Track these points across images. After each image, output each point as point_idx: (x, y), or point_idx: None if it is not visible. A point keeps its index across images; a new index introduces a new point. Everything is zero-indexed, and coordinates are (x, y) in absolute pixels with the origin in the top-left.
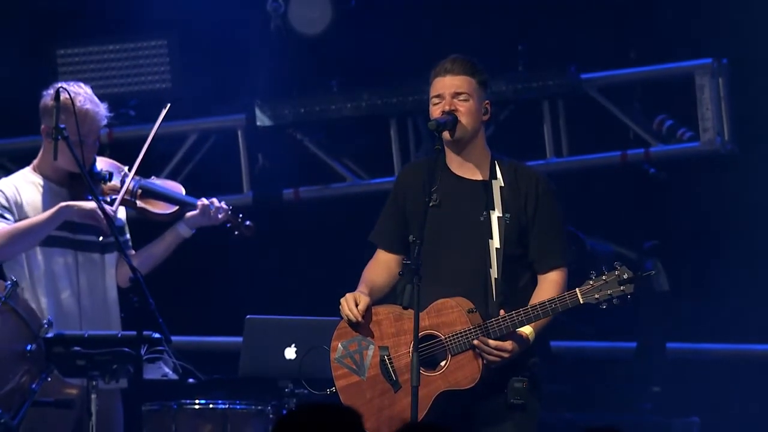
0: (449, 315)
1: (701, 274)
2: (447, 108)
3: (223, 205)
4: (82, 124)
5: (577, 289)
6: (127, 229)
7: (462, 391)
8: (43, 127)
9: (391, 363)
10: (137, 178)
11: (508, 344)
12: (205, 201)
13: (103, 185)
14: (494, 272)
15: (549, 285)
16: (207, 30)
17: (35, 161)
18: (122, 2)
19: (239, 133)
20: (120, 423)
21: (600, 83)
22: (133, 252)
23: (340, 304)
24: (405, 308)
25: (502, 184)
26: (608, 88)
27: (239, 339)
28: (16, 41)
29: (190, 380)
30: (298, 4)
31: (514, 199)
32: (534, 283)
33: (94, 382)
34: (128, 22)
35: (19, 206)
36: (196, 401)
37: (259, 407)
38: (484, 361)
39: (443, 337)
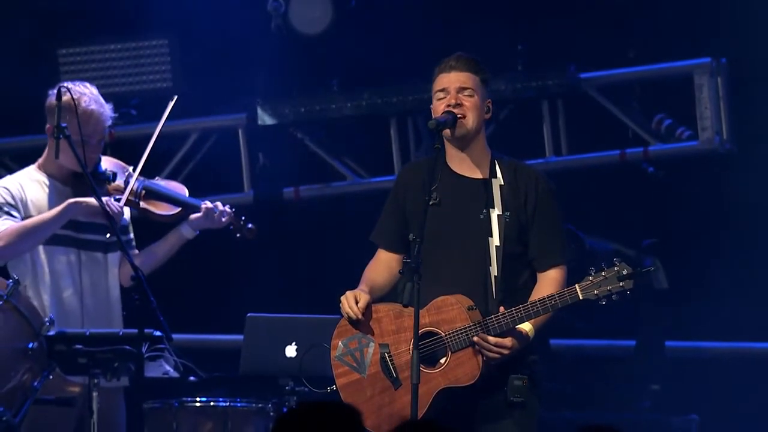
0: (449, 312)
1: (700, 273)
2: (453, 102)
3: (227, 208)
4: (86, 124)
5: (576, 285)
6: (131, 228)
7: (462, 388)
8: (47, 126)
9: (391, 360)
10: (141, 178)
11: (507, 341)
12: (208, 204)
13: (107, 185)
14: (494, 270)
15: (548, 282)
16: (208, 30)
17: (40, 160)
18: (123, 2)
19: (240, 132)
20: (122, 421)
21: (599, 82)
22: (137, 252)
23: (340, 302)
24: (405, 306)
25: (502, 183)
26: (607, 88)
27: (240, 337)
28: (17, 41)
29: (191, 378)
30: (298, 4)
31: (513, 198)
32: (534, 281)
33: (95, 380)
34: (129, 21)
35: (24, 204)
36: (197, 399)
37: (260, 405)
38: (484, 358)
39: (443, 334)
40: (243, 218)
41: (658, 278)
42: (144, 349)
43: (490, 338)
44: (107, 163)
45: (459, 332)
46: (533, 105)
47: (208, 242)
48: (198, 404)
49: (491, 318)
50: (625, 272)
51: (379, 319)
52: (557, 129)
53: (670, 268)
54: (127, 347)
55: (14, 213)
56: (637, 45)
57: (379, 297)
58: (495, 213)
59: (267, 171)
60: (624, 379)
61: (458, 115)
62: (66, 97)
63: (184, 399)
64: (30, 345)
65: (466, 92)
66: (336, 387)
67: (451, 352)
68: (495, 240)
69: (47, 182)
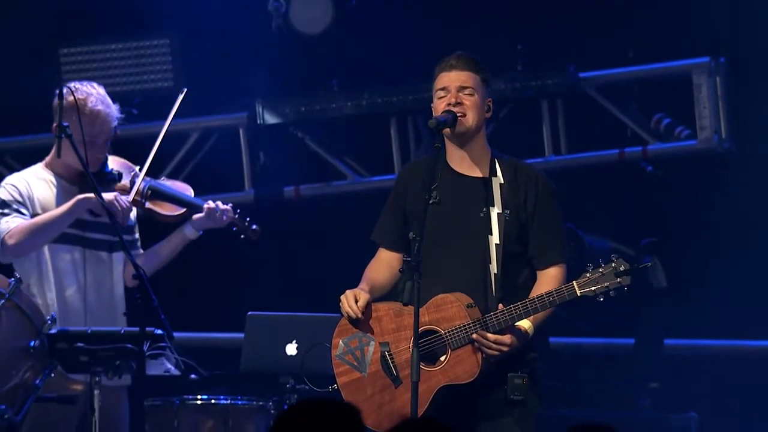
0: (449, 310)
1: (699, 271)
2: (453, 101)
3: (229, 207)
4: (92, 124)
5: (574, 282)
6: (136, 228)
7: (462, 385)
8: (54, 125)
9: (391, 359)
10: (147, 178)
11: (506, 338)
12: (211, 204)
13: (114, 185)
14: (494, 268)
15: (548, 281)
16: (209, 29)
17: (47, 158)
18: (125, 2)
19: (241, 131)
20: (125, 420)
21: (598, 82)
22: (141, 251)
23: (340, 301)
24: (405, 304)
25: (502, 182)
26: (606, 87)
27: (241, 335)
28: (19, 40)
29: (192, 376)
30: (299, 4)
31: (513, 197)
32: (533, 280)
33: (97, 378)
34: (131, 21)
35: (31, 201)
36: (198, 397)
37: (261, 403)
38: (484, 356)
39: (443, 332)
40: (248, 219)
41: (657, 277)
42: (145, 348)
43: (490, 335)
44: (114, 162)
45: (458, 330)
46: (533, 104)
47: (209, 241)
48: (199, 402)
49: (490, 315)
50: (622, 268)
51: (379, 318)
52: (556, 128)
53: (669, 267)
54: (129, 345)
55: (23, 210)
56: (636, 45)
57: (380, 296)
58: (495, 211)
59: (268, 170)
60: (623, 377)
61: (458, 114)
62: (72, 97)
63: (186, 397)
64: (32, 343)
65: (467, 91)
66: (337, 385)
67: (451, 350)
68: (495, 238)
69: (54, 181)
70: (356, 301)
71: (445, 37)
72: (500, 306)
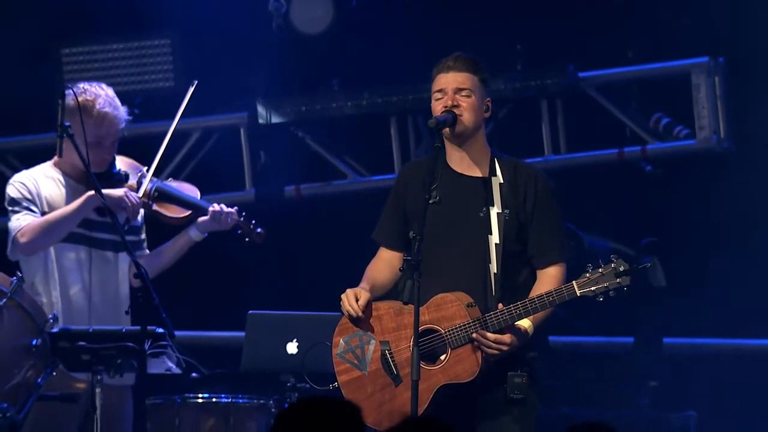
0: (449, 309)
1: (698, 270)
2: (449, 103)
3: (235, 211)
4: (99, 126)
5: (573, 282)
6: (143, 229)
7: (462, 384)
8: (67, 125)
9: (392, 357)
10: (154, 179)
11: (506, 337)
12: (216, 207)
13: (122, 185)
14: (494, 267)
15: (547, 280)
16: (210, 29)
17: (56, 157)
18: (126, 2)
19: (242, 130)
20: (129, 419)
21: (598, 82)
22: (147, 252)
23: (340, 299)
24: (405, 303)
25: (502, 181)
26: (606, 87)
27: (242, 334)
28: (21, 40)
29: (194, 374)
30: (299, 4)
31: (513, 196)
32: (533, 279)
33: (98, 377)
34: (132, 21)
35: (39, 198)
36: (200, 395)
37: (262, 401)
38: (484, 355)
39: (443, 331)
40: (253, 222)
41: (656, 276)
42: (147, 346)
43: (489, 335)
44: (121, 162)
45: (458, 329)
46: (532, 104)
47: (210, 240)
48: (200, 400)
49: (490, 315)
50: (622, 269)
51: (379, 317)
52: (556, 128)
53: (668, 266)
54: (130, 344)
55: (33, 208)
56: (635, 45)
57: (381, 295)
58: (495, 211)
59: (268, 169)
60: (622, 376)
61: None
62: (80, 98)
63: (187, 395)
64: (34, 342)
65: (464, 92)
66: (337, 384)
67: (451, 349)
68: (495, 238)
69: (62, 179)
70: (357, 300)
71: (445, 37)
72: (500, 305)
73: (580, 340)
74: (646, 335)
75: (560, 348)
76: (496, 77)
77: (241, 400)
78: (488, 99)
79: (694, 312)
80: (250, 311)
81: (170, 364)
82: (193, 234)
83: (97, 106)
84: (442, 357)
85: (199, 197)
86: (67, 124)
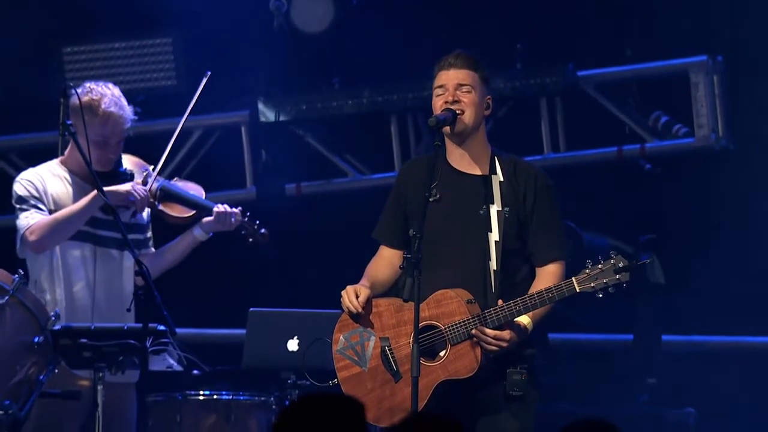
0: (449, 306)
1: (696, 268)
2: (450, 98)
3: (239, 211)
4: (105, 125)
5: (573, 278)
6: (149, 227)
7: (462, 380)
8: (68, 123)
9: (392, 354)
10: (160, 179)
11: (506, 333)
12: (221, 208)
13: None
14: (493, 265)
15: (547, 277)
16: (211, 28)
17: (63, 155)
18: (128, 1)
19: (243, 129)
20: (133, 417)
21: (597, 80)
22: (152, 250)
23: (340, 296)
24: (406, 300)
25: (502, 179)
26: (605, 85)
27: (243, 331)
28: (23, 39)
29: (195, 372)
30: (300, 3)
31: (513, 194)
32: (532, 277)
33: (100, 374)
34: (134, 20)
35: (46, 196)
36: (201, 392)
37: (262, 398)
38: (483, 351)
39: (443, 327)
40: (257, 223)
41: (654, 273)
42: (148, 343)
43: (489, 331)
44: (128, 161)
45: (458, 325)
46: (531, 102)
47: (210, 238)
48: (201, 397)
49: (489, 311)
50: (621, 265)
51: (379, 313)
52: (555, 126)
53: (666, 263)
54: (132, 341)
55: (41, 206)
56: (634, 43)
57: (381, 293)
58: (494, 209)
59: (269, 167)
60: (621, 372)
61: (457, 112)
62: (86, 98)
63: (188, 392)
64: (35, 339)
65: (464, 89)
66: (337, 380)
67: (451, 345)
68: (494, 235)
69: (68, 177)
70: (357, 297)
71: (445, 36)
72: (500, 302)
73: (579, 337)
74: (644, 332)
75: (559, 345)
76: (496, 76)
77: (242, 397)
78: (489, 97)
79: (692, 309)
80: (251, 308)
81: (171, 362)
82: (198, 234)
83: (103, 106)
84: (442, 353)
85: (204, 197)
86: (69, 122)
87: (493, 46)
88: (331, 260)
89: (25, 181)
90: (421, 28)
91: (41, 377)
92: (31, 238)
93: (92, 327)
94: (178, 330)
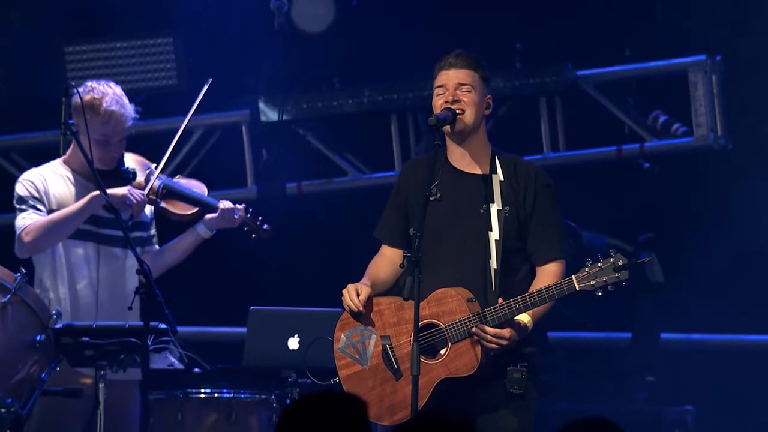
0: (449, 304)
1: (695, 266)
2: (450, 98)
3: (242, 208)
4: (107, 124)
5: (573, 276)
6: (153, 225)
7: (462, 378)
8: (70, 122)
9: (392, 352)
10: (162, 176)
11: (506, 332)
12: (226, 204)
13: (131, 183)
14: (494, 263)
15: (547, 276)
16: (212, 28)
17: (66, 155)
18: (129, 1)
19: (243, 128)
20: (136, 415)
21: (596, 80)
22: (157, 248)
23: (341, 295)
24: (406, 299)
25: (502, 178)
26: (604, 85)
27: (243, 329)
28: (25, 38)
29: (196, 370)
30: (301, 3)
31: (513, 193)
32: (532, 275)
33: (102, 372)
34: (135, 20)
35: (47, 197)
36: (202, 390)
37: (263, 396)
38: (483, 349)
39: (443, 325)
40: (260, 219)
41: (653, 272)
42: (149, 342)
43: (489, 329)
44: (130, 160)
45: (458, 324)
46: (531, 102)
47: (212, 237)
48: (202, 395)
49: (490, 309)
50: (620, 263)
51: (380, 312)
52: (555, 125)
53: (665, 262)
54: (133, 339)
55: (40, 206)
56: (633, 43)
57: (383, 291)
58: (495, 208)
59: (270, 167)
60: (620, 370)
61: (457, 111)
62: (87, 97)
63: (189, 390)
64: (37, 337)
65: (464, 88)
66: (338, 379)
67: (451, 343)
68: (495, 234)
69: (71, 177)
70: (358, 295)
71: (445, 36)
72: (500, 300)
73: (579, 336)
74: (643, 330)
75: (558, 343)
76: (496, 75)
77: (243, 395)
78: (489, 96)
79: (691, 307)
80: (252, 307)
81: (173, 360)
82: (201, 231)
83: (104, 105)
84: (442, 351)
85: (206, 194)
86: (71, 121)
87: (493, 45)
88: (331, 259)
89: (26, 182)
90: (421, 27)
91: (43, 375)
92: (26, 239)
93: (94, 325)
94: (179, 328)
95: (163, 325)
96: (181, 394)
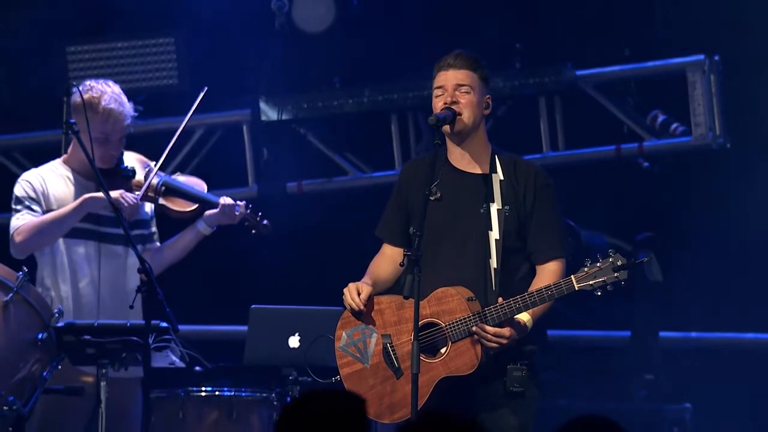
0: (449, 303)
1: (693, 265)
2: (449, 99)
3: (243, 204)
4: (106, 122)
5: (572, 276)
6: (153, 222)
7: (462, 377)
8: (72, 122)
9: (393, 350)
10: (161, 174)
11: (506, 331)
12: (226, 200)
13: (131, 181)
14: (494, 263)
15: (547, 275)
16: (213, 28)
17: (66, 155)
18: (131, 1)
19: (244, 128)
20: (138, 413)
21: (595, 80)
22: (158, 245)
23: (342, 294)
24: (406, 298)
25: (502, 178)
26: (603, 85)
27: (244, 328)
28: (26, 38)
29: (197, 368)
30: (302, 3)
31: (513, 193)
32: (532, 275)
33: (104, 370)
34: (136, 20)
35: (46, 197)
36: (203, 389)
37: (264, 394)
38: (483, 348)
39: (443, 324)
40: (260, 214)
41: (652, 271)
42: (151, 340)
43: (489, 328)
44: (130, 158)
45: (458, 323)
46: (530, 102)
47: (213, 235)
48: (203, 394)
49: (490, 308)
50: (619, 263)
51: (381, 311)
52: (554, 125)
53: (664, 261)
54: (135, 338)
55: (35, 207)
56: (632, 43)
57: (384, 290)
58: (495, 207)
59: (271, 166)
60: (619, 369)
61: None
62: (86, 96)
63: (190, 389)
64: (39, 336)
65: (463, 89)
66: (339, 377)
67: (451, 342)
68: (495, 234)
69: (71, 177)
70: (358, 294)
71: (445, 36)
72: (500, 300)
73: (578, 334)
74: (642, 329)
75: (558, 341)
76: (495, 75)
77: (244, 394)
78: (488, 96)
79: (689, 306)
80: (253, 305)
81: (174, 358)
82: (201, 227)
83: (103, 103)
84: (443, 350)
85: (206, 191)
86: (72, 121)
87: (493, 45)
88: (332, 258)
89: (24, 182)
90: (421, 27)
91: (45, 374)
92: (17, 239)
93: (95, 324)
94: (180, 327)
95: (164, 324)
96: (183, 392)
